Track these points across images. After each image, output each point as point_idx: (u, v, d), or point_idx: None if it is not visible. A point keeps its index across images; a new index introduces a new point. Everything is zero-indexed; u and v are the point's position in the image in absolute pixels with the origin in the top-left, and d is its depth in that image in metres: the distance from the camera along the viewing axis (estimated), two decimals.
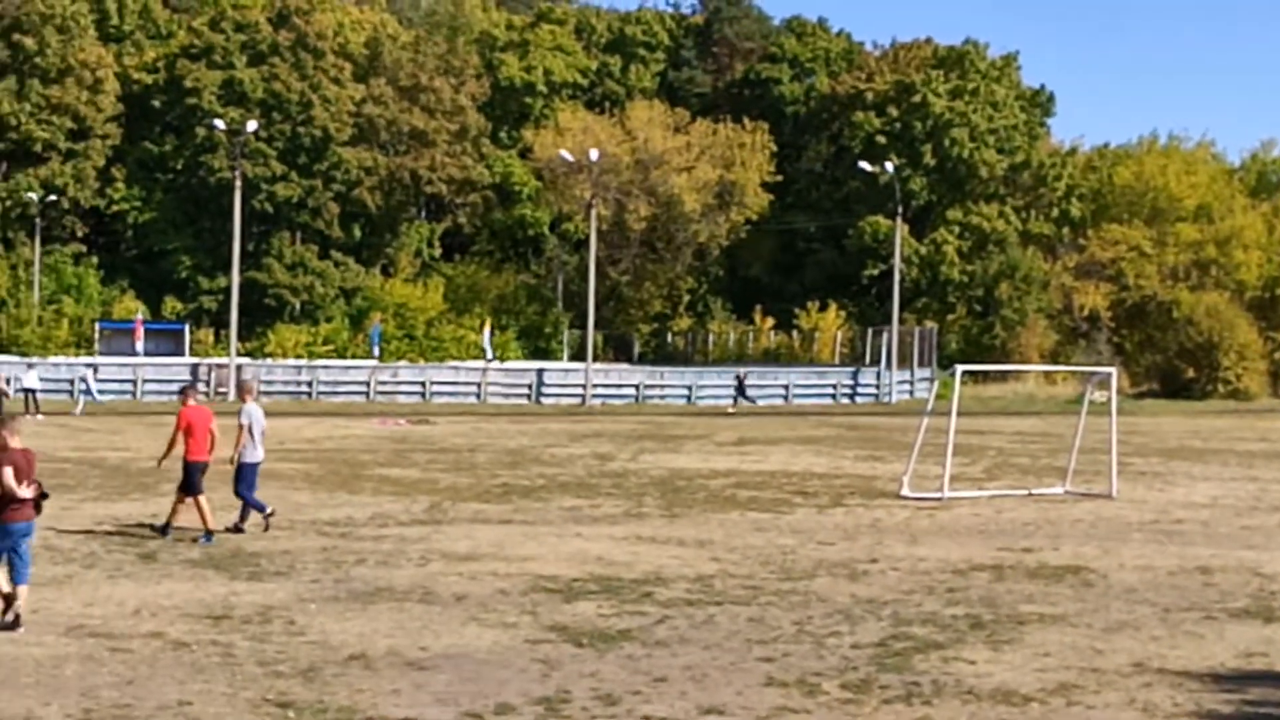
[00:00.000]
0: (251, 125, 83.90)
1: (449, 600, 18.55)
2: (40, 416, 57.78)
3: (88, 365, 69.51)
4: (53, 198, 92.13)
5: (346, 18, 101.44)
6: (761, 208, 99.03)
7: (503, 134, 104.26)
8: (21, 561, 16.36)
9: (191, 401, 24.92)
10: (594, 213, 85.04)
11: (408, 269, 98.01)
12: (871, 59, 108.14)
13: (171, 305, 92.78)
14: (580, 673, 14.60)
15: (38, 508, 16.53)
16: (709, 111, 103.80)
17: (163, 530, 24.15)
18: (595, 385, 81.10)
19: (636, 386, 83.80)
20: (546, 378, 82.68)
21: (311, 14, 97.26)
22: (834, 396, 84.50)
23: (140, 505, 27.91)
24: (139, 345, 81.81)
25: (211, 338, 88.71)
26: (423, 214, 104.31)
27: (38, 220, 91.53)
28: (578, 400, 79.37)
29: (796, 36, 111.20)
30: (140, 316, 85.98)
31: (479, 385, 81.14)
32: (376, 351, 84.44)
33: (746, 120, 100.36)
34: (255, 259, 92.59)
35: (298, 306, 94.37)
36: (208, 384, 77.39)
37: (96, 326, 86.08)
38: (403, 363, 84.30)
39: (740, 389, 77.61)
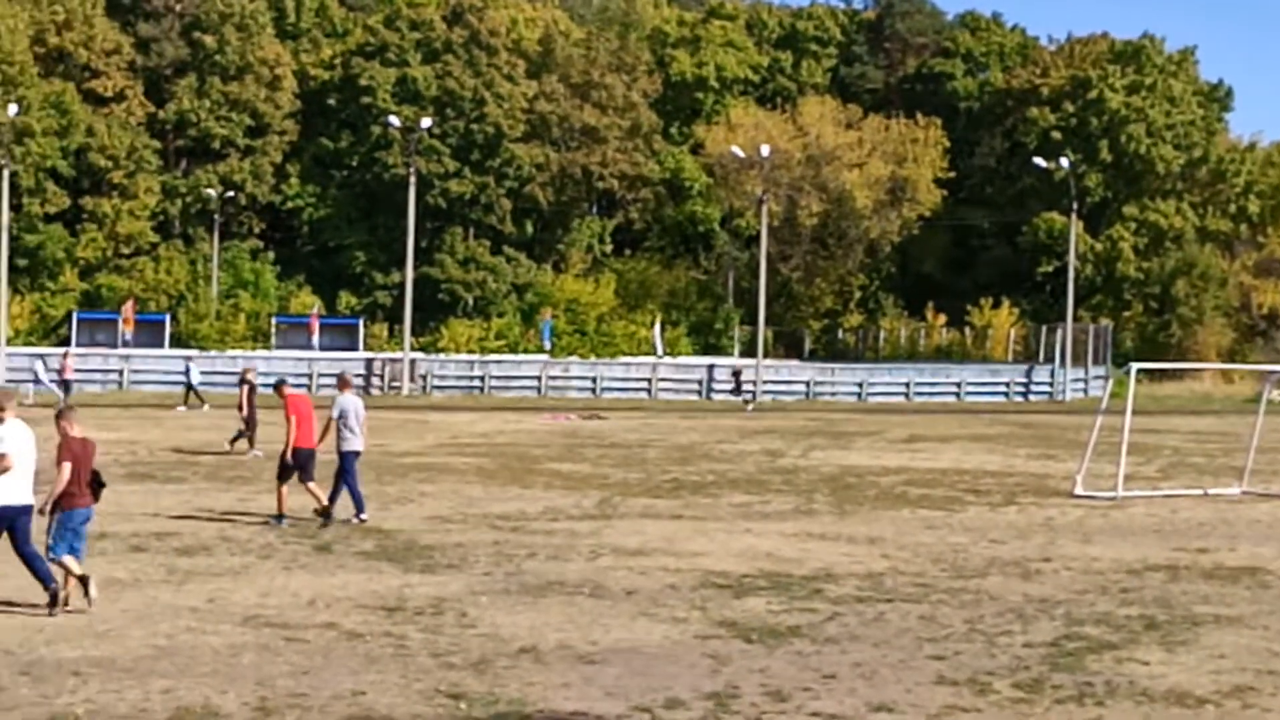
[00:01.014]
0: (425, 122, 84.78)
1: (619, 595, 18.58)
2: (206, 408, 58.71)
3: (36, 356, 69.45)
4: (231, 194, 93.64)
5: (520, 15, 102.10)
6: (934, 204, 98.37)
7: (674, 130, 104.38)
8: (79, 544, 16.91)
9: (291, 392, 25.80)
10: (765, 209, 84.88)
11: (579, 265, 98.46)
12: (1046, 54, 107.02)
13: (346, 300, 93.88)
14: (750, 668, 14.57)
15: (96, 495, 17.14)
16: (881, 107, 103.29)
17: (277, 519, 24.56)
18: (766, 381, 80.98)
19: (807, 383, 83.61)
20: (717, 373, 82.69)
21: (485, 11, 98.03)
22: (1007, 394, 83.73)
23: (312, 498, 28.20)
24: (314, 340, 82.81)
25: (385, 333, 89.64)
26: (594, 210, 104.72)
27: (216, 216, 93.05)
28: (748, 396, 79.35)
29: (970, 31, 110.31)
30: (316, 311, 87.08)
31: (649, 381, 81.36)
32: (548, 346, 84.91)
33: (919, 116, 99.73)
34: (429, 255, 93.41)
35: (470, 302, 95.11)
36: (381, 378, 78.35)
37: (273, 321, 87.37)
38: (574, 358, 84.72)
39: (737, 385, 76.28)
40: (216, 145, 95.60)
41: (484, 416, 58.72)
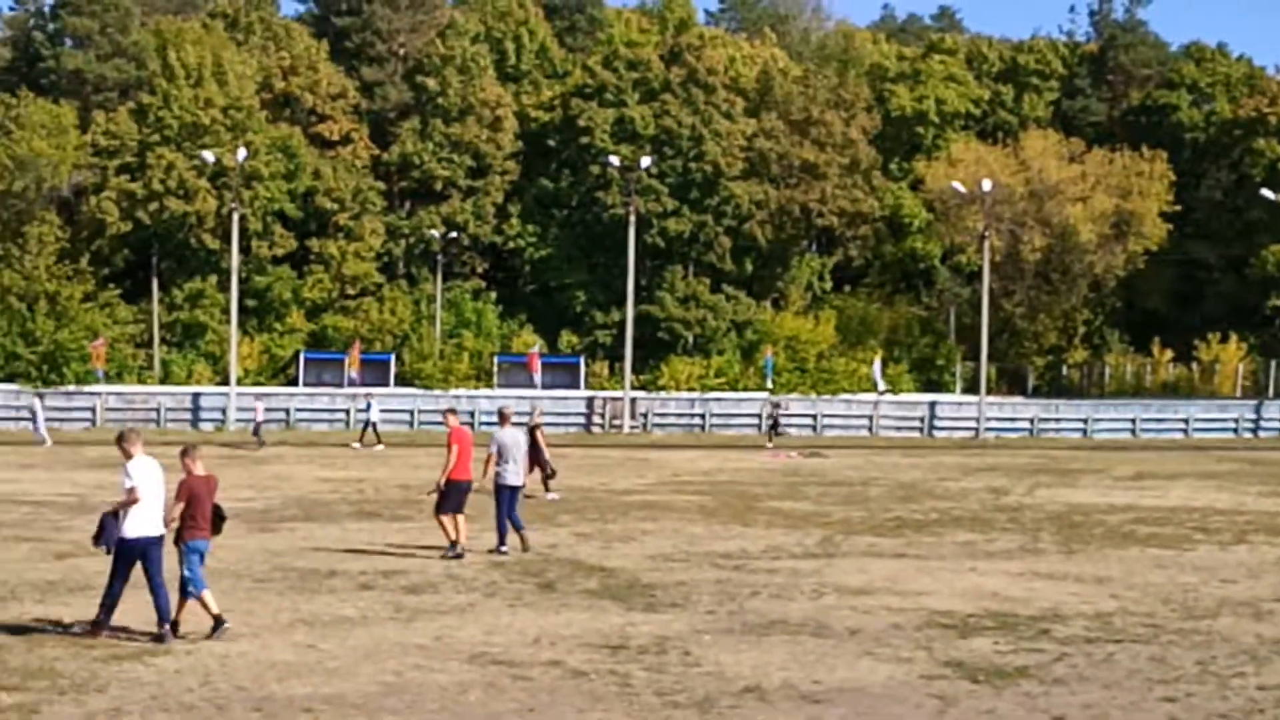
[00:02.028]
0: (645, 161, 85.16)
1: (843, 634, 18.46)
2: (381, 447, 59.57)
3: (36, 395, 69.47)
4: (454, 234, 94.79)
5: (738, 53, 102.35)
6: (1160, 237, 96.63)
7: (894, 165, 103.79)
8: (194, 575, 17.62)
9: (456, 423, 25.98)
10: (987, 244, 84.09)
11: (799, 302, 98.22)
12: (1274, 83, 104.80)
13: (567, 339, 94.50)
14: (976, 709, 14.39)
15: (217, 528, 18.02)
16: (1104, 140, 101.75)
17: (453, 549, 24.98)
18: (989, 418, 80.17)
19: (1031, 420, 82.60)
20: (939, 410, 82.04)
21: (703, 50, 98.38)
22: (1236, 430, 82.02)
23: (539, 534, 28.39)
24: (536, 378, 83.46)
25: (606, 371, 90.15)
26: (813, 247, 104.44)
27: (439, 256, 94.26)
28: (971, 433, 78.54)
29: (1195, 62, 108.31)
30: (537, 350, 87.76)
31: (870, 418, 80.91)
32: (769, 384, 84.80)
33: (1144, 148, 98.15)
34: (649, 293, 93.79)
35: (690, 339, 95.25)
36: (602, 416, 78.74)
37: (495, 360, 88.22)
38: (794, 395, 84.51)
39: (774, 423, 74.80)
40: (439, 186, 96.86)
41: (705, 454, 58.79)
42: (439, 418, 73.37)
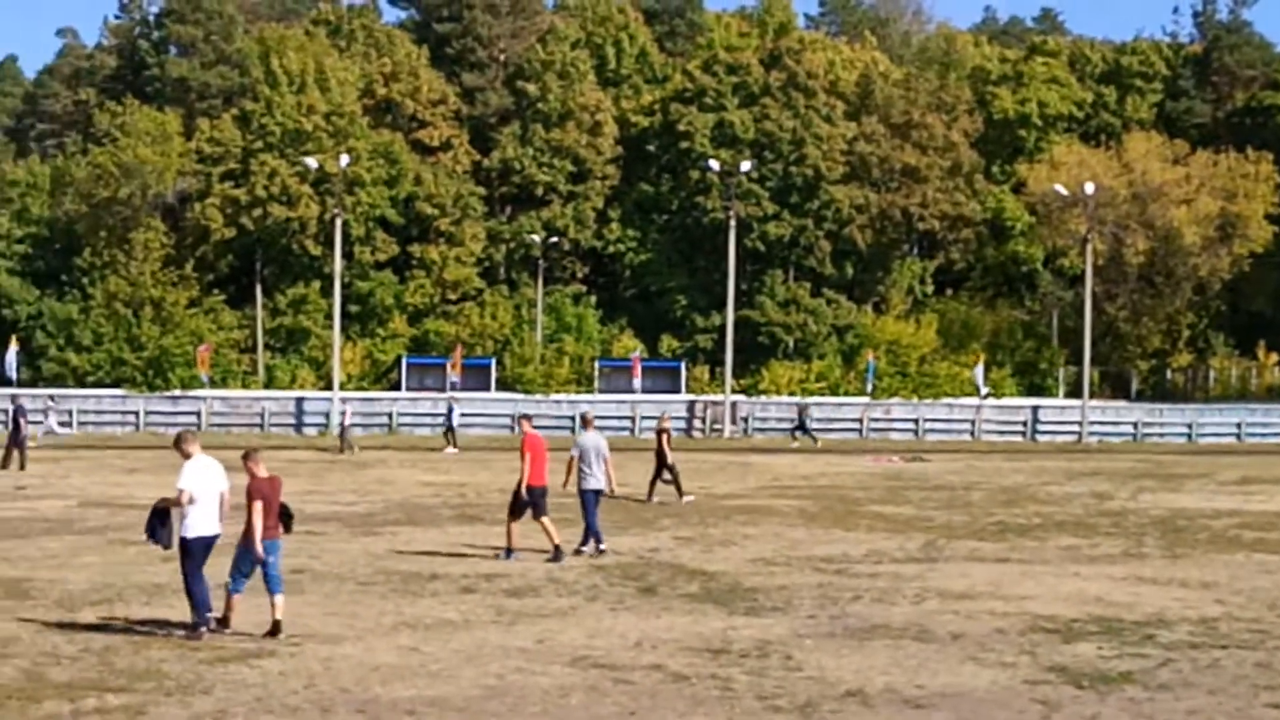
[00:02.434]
0: (745, 165, 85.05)
1: (945, 638, 18.37)
2: (457, 451, 60.10)
3: (49, 399, 68.89)
4: (554, 239, 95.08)
5: (838, 56, 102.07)
6: (1265, 240, 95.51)
7: (995, 169, 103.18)
8: (273, 575, 18.00)
9: (530, 430, 26.09)
10: (1089, 247, 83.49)
11: (900, 306, 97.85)
12: None
13: (668, 343, 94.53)
14: (1081, 715, 14.30)
15: (287, 527, 18.50)
16: (1209, 142, 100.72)
17: (506, 554, 25.27)
18: (1092, 422, 79.59)
19: (1134, 424, 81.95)
20: (1042, 414, 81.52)
21: (803, 54, 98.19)
22: None
23: (639, 540, 28.43)
24: (637, 383, 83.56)
25: (707, 375, 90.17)
26: (914, 250, 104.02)
27: (540, 261, 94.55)
28: (1074, 438, 77.97)
29: None
30: (638, 354, 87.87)
31: (973, 422, 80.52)
32: (870, 388, 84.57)
33: (1249, 150, 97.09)
34: (749, 297, 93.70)
35: (791, 344, 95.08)
36: (703, 420, 78.71)
37: (596, 364, 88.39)
38: (895, 399, 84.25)
39: (801, 423, 73.97)
40: (539, 191, 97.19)
41: (806, 459, 58.65)
42: (541, 422, 74.19)
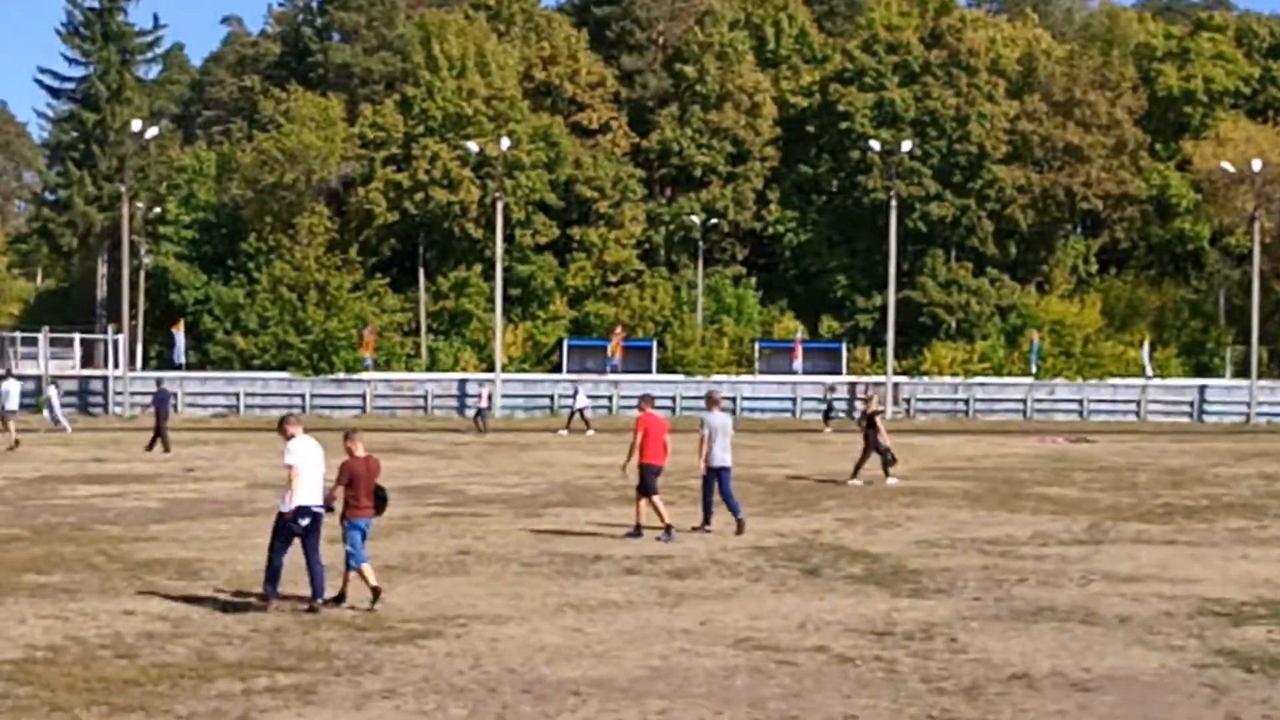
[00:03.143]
0: (906, 145, 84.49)
1: (1112, 621, 18.18)
2: (591, 433, 60.02)
3: (52, 382, 67.66)
4: (714, 221, 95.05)
5: (999, 34, 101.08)
6: None
7: (1160, 146, 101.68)
8: (355, 551, 18.77)
9: (649, 410, 26.39)
10: (1257, 225, 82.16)
11: (1063, 285, 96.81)
12: None
13: (828, 324, 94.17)
14: (1251, 699, 14.10)
15: (380, 508, 19.19)
16: None
17: (635, 533, 25.65)
18: (1260, 403, 78.33)
19: None
20: (1209, 395, 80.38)
21: (964, 32, 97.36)
22: None
23: (802, 521, 28.39)
24: (797, 364, 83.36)
25: (868, 356, 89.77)
26: (1078, 229, 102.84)
27: (700, 243, 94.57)
28: (1242, 418, 76.80)
29: None
30: (799, 336, 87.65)
31: (1138, 403, 79.55)
32: (1034, 368, 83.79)
33: None
34: (910, 277, 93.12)
35: (953, 324, 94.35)
36: (865, 402, 78.31)
37: (756, 346, 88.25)
38: (1060, 380, 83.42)
39: (829, 407, 72.47)
40: (698, 173, 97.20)
41: (969, 440, 58.26)
42: (701, 404, 74.33)
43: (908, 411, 78.75)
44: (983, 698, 14.01)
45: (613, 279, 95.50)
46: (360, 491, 18.87)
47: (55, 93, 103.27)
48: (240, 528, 26.74)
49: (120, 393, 71.10)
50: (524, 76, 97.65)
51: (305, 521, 18.53)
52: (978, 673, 15.06)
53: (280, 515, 18.66)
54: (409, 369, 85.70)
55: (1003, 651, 16.16)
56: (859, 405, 78.10)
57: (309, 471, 18.66)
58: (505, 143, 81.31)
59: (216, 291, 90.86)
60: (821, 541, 25.28)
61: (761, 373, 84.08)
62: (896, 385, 79.06)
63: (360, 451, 19.10)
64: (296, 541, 18.71)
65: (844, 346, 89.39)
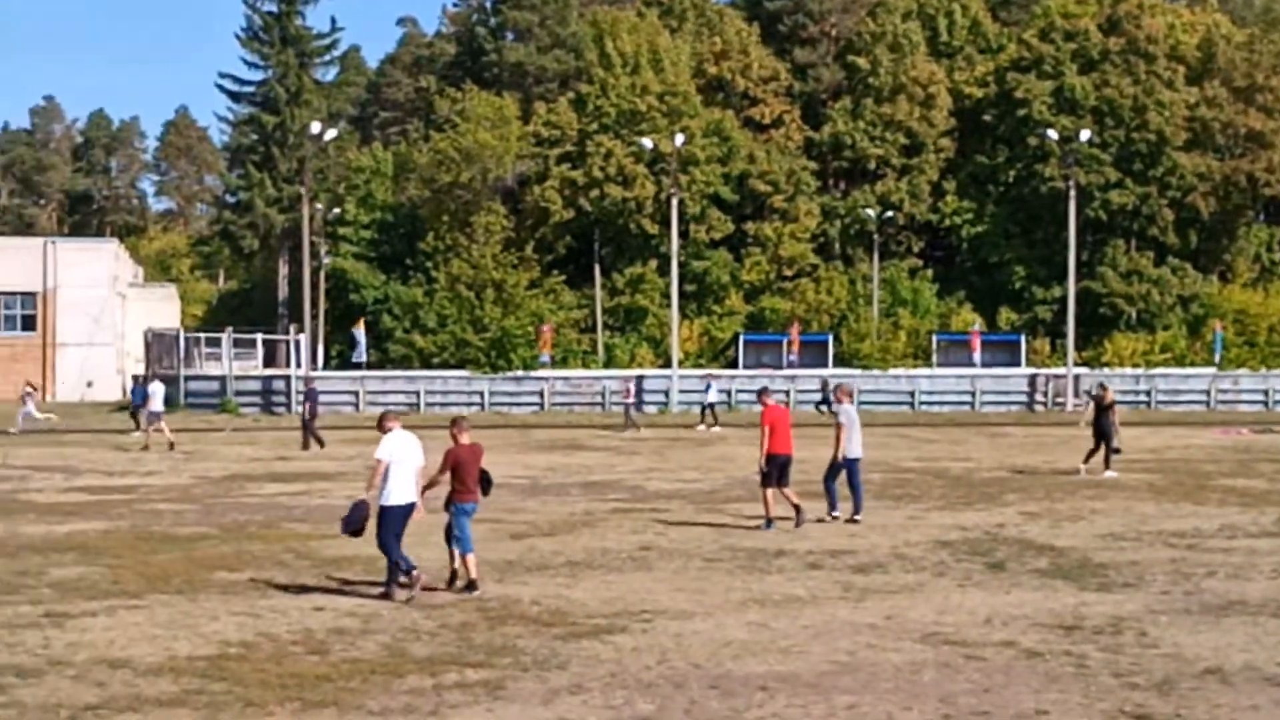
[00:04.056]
0: (1084, 134, 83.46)
1: None
2: (718, 428, 59.71)
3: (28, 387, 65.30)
4: (889, 213, 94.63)
5: (1178, 20, 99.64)
6: None
7: None
8: (464, 536, 19.40)
9: (771, 402, 27.04)
10: None
11: (1246, 274, 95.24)
12: None
13: (1006, 316, 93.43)
14: None
15: (485, 491, 19.88)
16: None
17: (767, 524, 25.86)
18: None
19: None
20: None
21: (1142, 18, 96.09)
22: None
23: (984, 515, 28.16)
24: (975, 356, 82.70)
25: (1047, 348, 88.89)
26: (1261, 217, 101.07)
27: (875, 236, 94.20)
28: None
29: None
30: (976, 328, 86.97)
31: None
32: (1218, 359, 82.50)
33: None
34: (1090, 268, 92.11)
35: (1133, 315, 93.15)
36: (1044, 394, 77.57)
37: (933, 339, 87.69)
38: (1243, 370, 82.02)
39: (824, 397, 70.41)
40: (872, 166, 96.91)
41: (1151, 431, 57.41)
42: (879, 397, 74.05)
43: (1088, 404, 77.70)
44: (1175, 693, 13.81)
45: (788, 273, 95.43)
46: (466, 477, 19.45)
47: (235, 97, 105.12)
48: (425, 524, 26.98)
49: (302, 391, 72.00)
50: (696, 72, 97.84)
51: (400, 516, 19.04)
52: (1169, 667, 14.85)
53: (382, 508, 19.00)
54: (586, 366, 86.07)
55: (1194, 646, 15.92)
56: (1039, 397, 77.46)
57: (403, 466, 19.04)
58: (679, 139, 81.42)
59: (395, 291, 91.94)
60: (1005, 535, 25.06)
61: (940, 365, 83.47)
62: (1077, 377, 77.98)
63: (465, 439, 19.61)
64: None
65: (1023, 338, 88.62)
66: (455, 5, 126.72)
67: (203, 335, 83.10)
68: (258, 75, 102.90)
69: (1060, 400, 76.37)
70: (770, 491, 26.09)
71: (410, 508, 19.03)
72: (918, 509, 29.19)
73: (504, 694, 13.80)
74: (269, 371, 79.58)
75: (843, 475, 27.43)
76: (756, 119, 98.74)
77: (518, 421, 69.02)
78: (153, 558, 22.62)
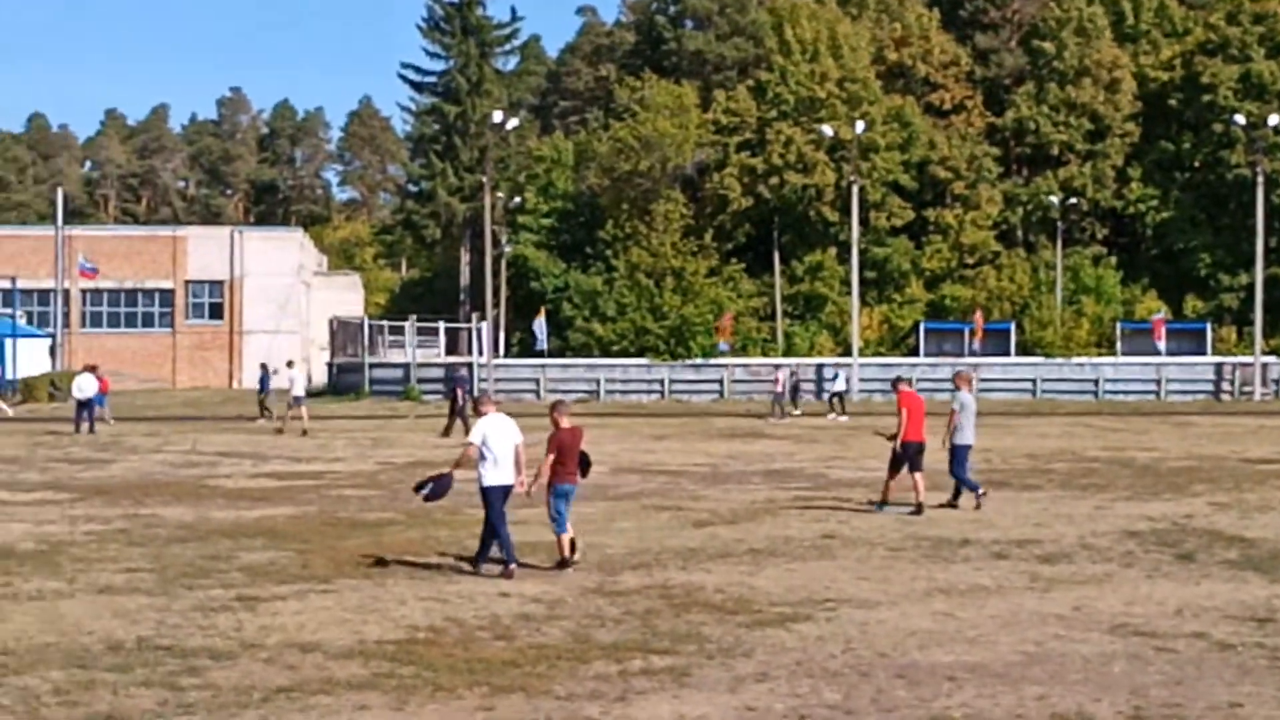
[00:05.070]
0: (1273, 119, 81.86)
1: None
2: (844, 419, 59.24)
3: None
4: (1072, 200, 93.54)
5: None
6: None
7: None
8: (560, 516, 20.04)
9: (905, 389, 27.76)
10: None
11: None
12: None
13: (1192, 304, 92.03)
14: None
15: (584, 473, 20.45)
16: None
17: (879, 506, 26.98)
18: None
19: None
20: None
21: None
22: None
23: (1172, 505, 27.77)
24: (1160, 345, 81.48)
25: (1234, 336, 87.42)
26: None
27: (1058, 223, 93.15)
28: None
29: None
30: (1160, 316, 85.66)
31: None
32: None
33: None
34: (1278, 255, 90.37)
35: None
36: (1231, 383, 76.37)
37: (1117, 327, 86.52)
38: None
39: (794, 390, 67.92)
40: (1055, 151, 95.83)
41: None
42: (1063, 385, 73.35)
43: (1277, 393, 76.38)
44: None
45: (969, 261, 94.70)
46: (567, 460, 20.02)
47: (417, 87, 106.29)
48: (607, 511, 27.14)
49: (485, 379, 72.72)
50: (876, 58, 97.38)
51: (500, 495, 19.82)
52: None
53: (483, 489, 19.81)
54: (765, 354, 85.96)
55: None
56: (1226, 385, 76.13)
57: (500, 448, 19.73)
58: (859, 125, 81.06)
59: (575, 279, 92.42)
60: (1194, 526, 24.70)
61: (1124, 354, 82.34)
62: (1265, 366, 76.69)
63: (565, 422, 20.17)
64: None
65: (1208, 326, 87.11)
66: None
67: (386, 323, 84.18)
68: (439, 65, 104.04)
69: (1248, 389, 75.11)
70: (895, 477, 26.84)
71: (508, 488, 19.83)
72: (1104, 499, 28.86)
73: (690, 681, 13.83)
74: (451, 359, 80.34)
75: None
76: (937, 105, 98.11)
77: (697, 410, 69.14)
78: (340, 543, 22.96)
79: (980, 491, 27.24)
